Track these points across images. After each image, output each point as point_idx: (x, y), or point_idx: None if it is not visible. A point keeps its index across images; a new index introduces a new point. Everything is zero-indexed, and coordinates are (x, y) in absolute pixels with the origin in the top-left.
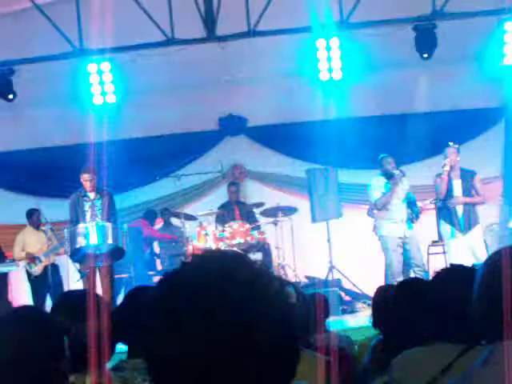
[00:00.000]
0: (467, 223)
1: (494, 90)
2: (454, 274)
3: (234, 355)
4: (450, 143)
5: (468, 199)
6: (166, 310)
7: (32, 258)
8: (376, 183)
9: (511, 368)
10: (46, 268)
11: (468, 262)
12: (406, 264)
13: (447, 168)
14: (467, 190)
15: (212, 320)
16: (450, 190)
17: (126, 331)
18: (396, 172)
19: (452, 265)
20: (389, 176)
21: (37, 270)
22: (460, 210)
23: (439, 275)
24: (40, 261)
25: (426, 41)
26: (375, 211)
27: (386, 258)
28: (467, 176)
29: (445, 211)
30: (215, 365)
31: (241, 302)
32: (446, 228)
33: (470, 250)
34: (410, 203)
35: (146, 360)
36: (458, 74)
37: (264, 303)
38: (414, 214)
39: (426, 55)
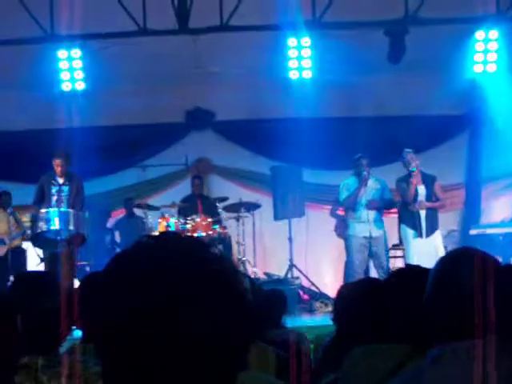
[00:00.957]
0: (429, 228)
1: (461, 98)
2: (409, 274)
3: (182, 335)
4: (406, 149)
5: (431, 204)
6: (117, 282)
7: None
8: (346, 184)
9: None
10: (10, 251)
11: (429, 265)
12: (370, 265)
13: (417, 171)
14: (429, 195)
15: (163, 295)
16: (414, 195)
17: (80, 316)
18: (364, 173)
19: (407, 265)
20: (360, 177)
21: (2, 251)
22: (423, 214)
23: (394, 275)
24: (4, 243)
25: (396, 45)
26: (340, 212)
27: (349, 256)
28: (428, 180)
29: (407, 215)
30: (161, 344)
31: (194, 279)
32: (408, 232)
33: (429, 254)
34: (386, 202)
35: (94, 338)
36: (427, 80)
37: (219, 284)
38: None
39: (395, 60)
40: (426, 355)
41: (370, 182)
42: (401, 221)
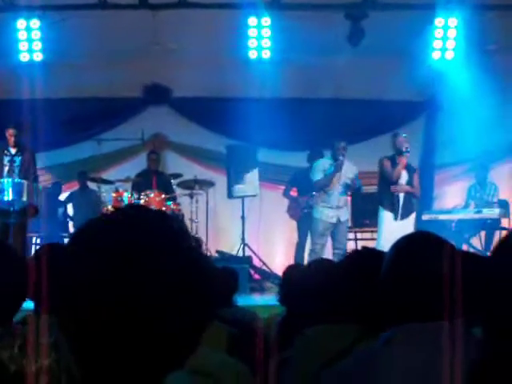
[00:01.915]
0: (406, 211)
1: (419, 84)
2: (364, 256)
3: (143, 309)
4: (399, 132)
5: (409, 188)
6: (82, 256)
7: None
8: (321, 164)
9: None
10: None
11: None
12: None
13: (408, 155)
14: (409, 182)
15: (128, 268)
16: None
17: (35, 287)
18: (340, 158)
19: (364, 247)
20: (336, 162)
21: None
22: (402, 197)
23: (350, 256)
24: None
25: (355, 29)
26: (292, 192)
27: (312, 239)
28: (410, 168)
29: (387, 197)
30: (118, 316)
31: (159, 251)
32: (385, 214)
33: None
34: (355, 189)
35: (58, 312)
36: (386, 64)
37: (183, 256)
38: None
39: (355, 42)
40: (377, 336)
41: (345, 168)
42: (379, 202)
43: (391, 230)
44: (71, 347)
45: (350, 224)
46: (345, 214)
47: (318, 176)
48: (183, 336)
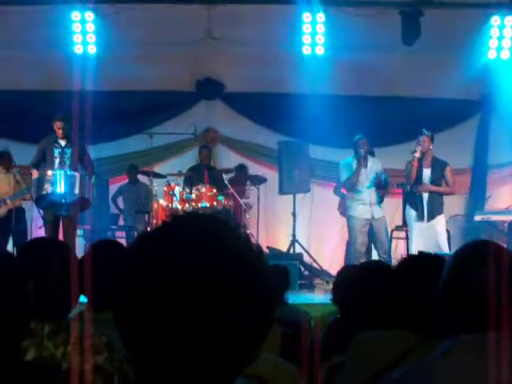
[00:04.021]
0: (431, 212)
1: (474, 83)
2: (421, 261)
3: (205, 318)
4: (424, 130)
5: (434, 188)
6: (150, 258)
7: None
8: (346, 164)
9: (498, 360)
10: (10, 211)
11: (429, 249)
12: (371, 246)
13: (418, 155)
14: (436, 179)
15: (187, 276)
16: (419, 177)
17: (89, 283)
18: (361, 152)
19: (420, 252)
20: (358, 158)
21: (1, 212)
22: (426, 197)
23: (406, 261)
24: (5, 203)
25: (410, 27)
26: (343, 190)
27: (351, 237)
28: (438, 166)
29: (411, 197)
30: (183, 322)
31: (226, 263)
32: (411, 213)
33: (431, 238)
34: (381, 184)
35: (118, 321)
36: (440, 63)
37: (247, 266)
38: (381, 192)
39: (409, 41)
40: (431, 345)
41: (371, 163)
42: (405, 202)
43: (419, 230)
44: (128, 347)
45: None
46: (379, 211)
47: (344, 176)
48: (248, 342)
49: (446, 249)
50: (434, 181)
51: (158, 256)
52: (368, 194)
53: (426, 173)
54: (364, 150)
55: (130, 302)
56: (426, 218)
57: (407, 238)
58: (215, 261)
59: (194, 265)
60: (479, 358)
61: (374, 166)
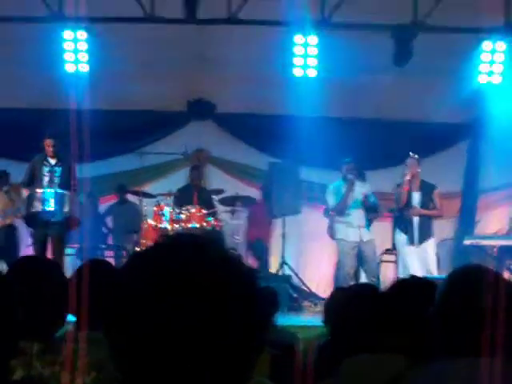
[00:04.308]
0: (421, 235)
1: (464, 107)
2: (413, 285)
3: (200, 337)
4: (411, 154)
5: (424, 211)
6: (141, 279)
7: None
8: (333, 189)
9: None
10: (2, 228)
11: (419, 273)
12: (360, 268)
13: (408, 177)
14: (425, 203)
15: (190, 298)
16: (408, 201)
17: (80, 302)
18: (349, 177)
19: (412, 276)
20: (346, 182)
21: None
22: (416, 221)
23: (397, 285)
24: None
25: (402, 49)
26: (332, 213)
27: (339, 260)
28: (427, 188)
29: (401, 221)
30: (175, 342)
31: (217, 281)
32: (401, 237)
33: (421, 261)
34: (370, 207)
35: (112, 337)
36: (431, 87)
37: (238, 284)
38: (370, 215)
39: (400, 63)
40: (422, 369)
41: (358, 186)
42: (395, 226)
43: (408, 254)
44: (120, 367)
45: None
46: (367, 234)
47: (331, 200)
48: (240, 365)
49: (435, 272)
50: (424, 204)
51: (151, 265)
52: (356, 217)
53: (416, 196)
54: (352, 174)
55: (125, 309)
56: (416, 241)
57: (396, 262)
58: (209, 265)
59: (189, 267)
60: (471, 382)
61: (359, 189)
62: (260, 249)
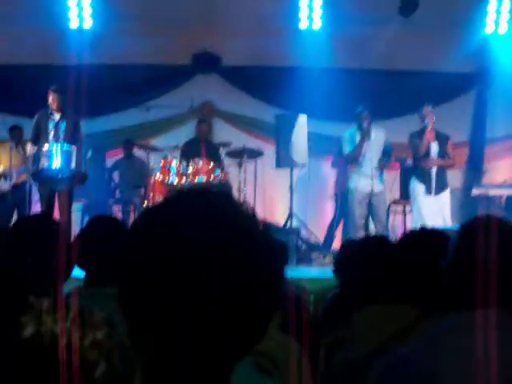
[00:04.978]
0: (439, 185)
1: (471, 56)
2: (425, 237)
3: (214, 293)
4: (427, 104)
5: (442, 162)
6: (152, 240)
7: (2, 175)
8: (348, 136)
9: (486, 336)
10: (16, 185)
11: (435, 222)
12: (369, 219)
13: (430, 128)
14: (442, 153)
15: (193, 254)
16: (427, 151)
17: (89, 257)
18: (364, 127)
19: (423, 228)
20: (361, 130)
21: (6, 186)
22: (434, 171)
23: (409, 236)
24: (10, 178)
25: (408, 0)
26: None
27: (350, 209)
28: (442, 139)
29: (419, 171)
30: (188, 301)
31: (228, 239)
32: (418, 187)
33: (437, 211)
34: (385, 152)
35: (120, 290)
36: (438, 36)
37: (252, 243)
38: (383, 162)
39: (406, 13)
40: (433, 320)
41: (374, 135)
42: (412, 176)
43: (425, 204)
44: (129, 322)
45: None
46: (379, 185)
47: (346, 149)
48: (258, 322)
49: (450, 222)
50: (440, 154)
51: (162, 223)
52: (369, 168)
53: (433, 146)
54: (367, 122)
55: (142, 273)
56: (433, 191)
57: (404, 213)
58: (224, 235)
59: (202, 225)
60: (482, 335)
61: (377, 138)
62: None
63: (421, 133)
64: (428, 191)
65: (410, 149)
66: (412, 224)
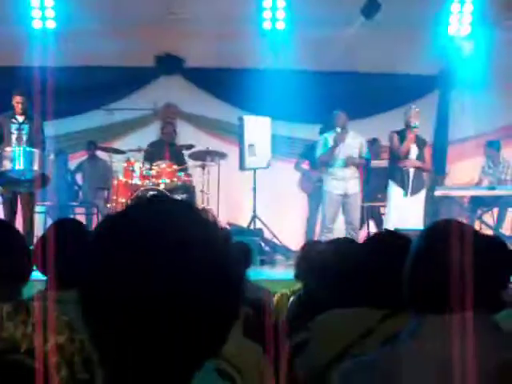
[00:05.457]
0: (416, 186)
1: (433, 58)
2: (388, 239)
3: (177, 297)
4: (413, 106)
5: (420, 164)
6: (110, 247)
7: None
8: (323, 139)
9: (454, 341)
10: None
11: (407, 223)
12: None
13: (416, 130)
14: (420, 157)
15: (159, 256)
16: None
17: (51, 261)
18: (338, 129)
19: (386, 230)
20: (335, 133)
21: None
22: (412, 173)
23: (373, 239)
24: None
25: (371, 2)
26: (304, 165)
27: (323, 212)
28: (420, 143)
29: (396, 172)
30: (144, 306)
31: (186, 246)
32: (394, 189)
33: (411, 212)
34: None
35: (81, 296)
36: (400, 37)
37: (210, 249)
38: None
39: (368, 15)
40: (395, 322)
41: (349, 139)
42: (388, 177)
43: (401, 205)
44: (90, 327)
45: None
46: (353, 187)
47: (319, 150)
48: (216, 330)
49: (422, 223)
50: (419, 157)
51: (125, 228)
52: (342, 170)
53: (413, 148)
54: (340, 126)
55: (99, 272)
56: (409, 192)
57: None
58: (181, 242)
59: (162, 229)
60: (445, 339)
61: (352, 142)
62: None
63: (403, 132)
64: (405, 192)
65: (389, 148)
66: (386, 224)
